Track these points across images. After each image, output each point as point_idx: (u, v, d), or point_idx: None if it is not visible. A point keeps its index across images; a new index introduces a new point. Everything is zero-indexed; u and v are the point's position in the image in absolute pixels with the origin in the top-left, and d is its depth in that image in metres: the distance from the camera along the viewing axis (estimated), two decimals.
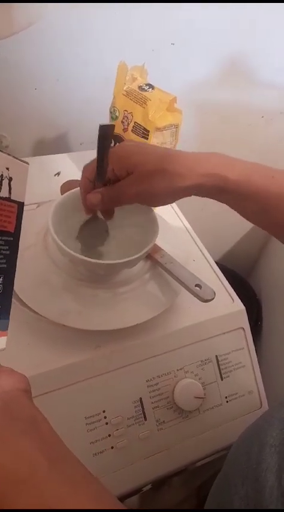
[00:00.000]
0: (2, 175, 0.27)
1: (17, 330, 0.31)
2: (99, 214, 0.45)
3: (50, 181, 0.65)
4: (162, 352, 0.47)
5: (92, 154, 0.40)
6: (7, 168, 0.28)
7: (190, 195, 0.40)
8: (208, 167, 0.38)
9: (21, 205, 0.30)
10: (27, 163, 0.30)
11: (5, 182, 0.28)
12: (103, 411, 0.43)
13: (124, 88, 0.55)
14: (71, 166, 0.69)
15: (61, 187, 0.57)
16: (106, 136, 0.36)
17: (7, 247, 0.29)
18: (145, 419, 0.45)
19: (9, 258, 0.30)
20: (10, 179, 0.28)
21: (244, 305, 0.53)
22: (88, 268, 0.44)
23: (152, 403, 0.46)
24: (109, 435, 0.43)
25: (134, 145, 0.40)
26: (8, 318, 0.30)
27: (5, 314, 0.30)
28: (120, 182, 0.40)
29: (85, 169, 0.41)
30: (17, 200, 0.29)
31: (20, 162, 0.29)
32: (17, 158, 0.28)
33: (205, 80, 0.80)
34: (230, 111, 0.86)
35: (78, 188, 0.46)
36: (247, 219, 0.41)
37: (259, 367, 0.53)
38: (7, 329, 0.30)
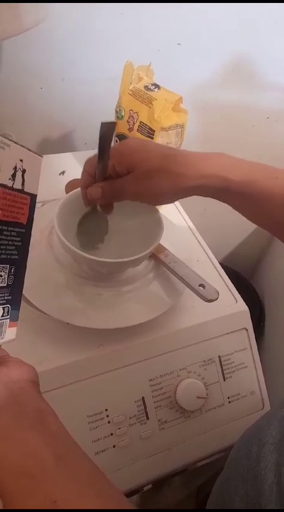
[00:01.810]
0: (15, 167, 0.27)
1: (20, 327, 0.31)
2: (99, 208, 0.45)
3: (55, 180, 0.65)
4: (164, 351, 0.47)
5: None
6: (21, 160, 0.28)
7: (192, 195, 0.39)
8: (210, 168, 0.37)
9: (33, 197, 0.30)
10: (40, 155, 0.30)
11: (19, 174, 0.28)
12: (106, 410, 0.43)
13: (130, 87, 0.55)
14: (76, 165, 0.70)
15: (66, 186, 0.57)
16: (108, 133, 0.36)
17: (19, 239, 0.29)
18: (148, 418, 0.45)
19: (21, 250, 0.30)
20: (24, 171, 0.28)
21: (247, 306, 0.53)
22: (92, 267, 0.44)
23: (154, 402, 0.46)
24: (111, 434, 0.44)
25: (137, 143, 0.40)
26: (18, 309, 0.31)
27: (16, 305, 0.30)
28: (121, 179, 0.39)
29: (87, 163, 0.41)
30: (30, 192, 0.30)
31: (34, 155, 0.29)
32: (31, 150, 0.28)
33: (210, 80, 0.80)
34: (235, 112, 0.85)
35: None
36: (250, 220, 0.41)
37: (262, 368, 0.53)
38: (17, 320, 0.31)
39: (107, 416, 0.44)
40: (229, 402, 0.50)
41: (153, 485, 0.49)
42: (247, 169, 0.38)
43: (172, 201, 0.41)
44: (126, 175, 0.39)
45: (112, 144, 0.39)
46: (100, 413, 0.43)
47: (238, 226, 1.11)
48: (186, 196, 0.39)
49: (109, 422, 0.43)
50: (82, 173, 0.42)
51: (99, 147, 0.37)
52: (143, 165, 0.38)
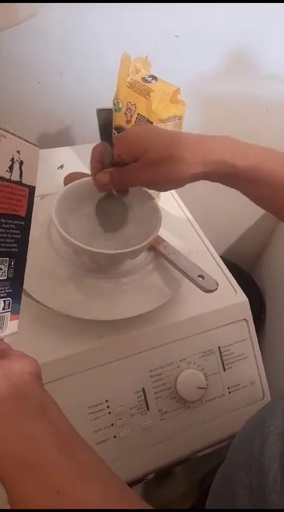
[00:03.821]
0: (13, 158, 0.27)
1: (21, 320, 0.31)
2: (114, 192, 0.45)
3: (54, 174, 0.65)
4: (164, 342, 0.47)
5: None
6: (18, 152, 0.27)
7: (199, 180, 0.39)
8: (217, 154, 0.37)
9: (32, 189, 0.30)
10: (37, 146, 0.29)
11: (16, 166, 0.27)
12: (106, 401, 0.44)
13: (128, 80, 0.54)
14: (74, 159, 0.69)
15: (64, 179, 0.57)
16: (105, 121, 0.36)
17: (18, 232, 0.29)
18: (148, 409, 0.46)
19: (20, 243, 0.30)
20: (21, 163, 0.28)
21: (248, 298, 0.53)
22: (91, 258, 0.44)
23: (155, 393, 0.46)
24: (112, 424, 0.44)
25: (140, 130, 0.40)
26: (19, 302, 0.31)
27: (17, 298, 0.30)
28: (128, 166, 0.40)
29: (94, 150, 0.41)
30: (28, 184, 0.29)
31: (31, 146, 0.29)
32: (28, 141, 0.28)
33: (208, 72, 0.79)
34: (233, 104, 0.85)
35: (82, 180, 0.46)
36: (258, 205, 0.41)
37: (262, 359, 0.53)
38: (19, 313, 0.31)
39: (108, 407, 0.44)
40: (230, 392, 0.50)
41: (155, 475, 0.50)
42: (254, 154, 0.38)
43: (179, 187, 0.41)
44: (133, 162, 0.39)
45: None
46: (100, 404, 0.44)
47: (238, 220, 1.11)
48: (193, 181, 0.39)
49: (110, 413, 0.44)
50: (91, 161, 0.42)
51: (100, 135, 0.37)
52: (149, 153, 0.38)
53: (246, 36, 0.76)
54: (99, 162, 0.41)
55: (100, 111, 0.35)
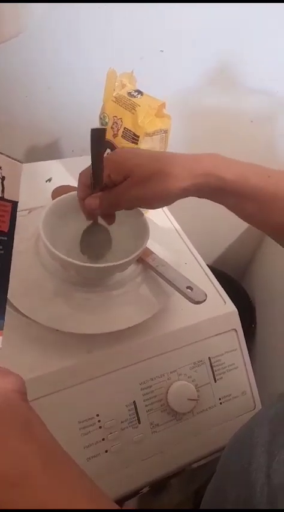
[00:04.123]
0: None
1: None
2: (100, 221, 0.45)
3: (42, 187, 0.65)
4: (155, 354, 0.47)
5: (83, 161, 0.40)
6: (0, 167, 0.28)
7: (188, 196, 0.40)
8: (205, 167, 0.38)
9: (15, 204, 0.30)
10: (21, 162, 0.30)
11: None
12: (97, 415, 0.43)
13: (114, 94, 0.55)
14: (62, 172, 0.70)
15: (52, 193, 0.57)
16: (99, 140, 0.37)
17: (1, 247, 0.29)
18: (139, 422, 0.45)
19: (3, 258, 0.30)
20: (3, 178, 0.28)
21: (238, 308, 0.53)
22: (79, 272, 0.44)
23: (146, 406, 0.46)
24: (103, 439, 0.43)
25: (129, 151, 0.41)
26: (3, 318, 0.30)
27: (1, 314, 0.30)
28: (118, 186, 0.40)
29: (81, 175, 0.42)
30: (11, 199, 0.29)
31: (13, 161, 0.29)
32: (10, 157, 0.28)
33: (194, 86, 0.81)
34: (219, 117, 0.87)
35: (70, 193, 0.47)
36: (244, 220, 0.41)
37: (254, 369, 0.53)
38: (2, 328, 0.30)
39: (99, 421, 0.43)
40: (221, 403, 0.50)
41: (150, 488, 0.49)
42: (240, 169, 0.38)
43: (170, 203, 0.41)
44: (122, 182, 0.40)
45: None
46: (91, 419, 0.43)
47: (227, 229, 1.12)
48: (183, 197, 0.40)
49: (100, 427, 0.43)
50: (78, 186, 0.42)
51: (92, 154, 0.37)
52: (138, 170, 0.38)
53: (230, 50, 0.78)
54: (87, 186, 0.41)
55: (94, 131, 0.35)
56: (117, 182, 0.40)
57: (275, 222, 0.39)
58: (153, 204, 0.41)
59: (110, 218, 0.45)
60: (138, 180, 0.38)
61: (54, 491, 0.25)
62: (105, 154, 0.39)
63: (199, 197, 0.40)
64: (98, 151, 0.37)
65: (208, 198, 0.40)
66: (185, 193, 0.39)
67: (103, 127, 0.37)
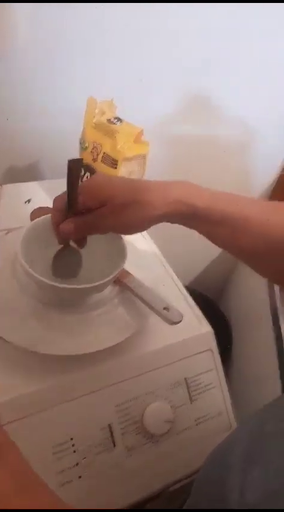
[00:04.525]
0: None
1: None
2: (72, 243, 0.45)
3: (20, 208, 0.66)
4: (131, 376, 0.47)
5: (63, 183, 0.41)
6: None
7: (162, 222, 0.41)
8: (177, 195, 0.39)
9: None
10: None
11: None
12: (71, 439, 0.43)
13: (94, 121, 0.57)
14: (42, 194, 0.70)
15: (31, 214, 0.58)
16: (75, 170, 0.38)
17: None
18: (114, 445, 0.45)
19: None
20: None
21: (214, 328, 0.54)
22: (56, 293, 0.44)
23: (121, 428, 0.46)
24: (77, 464, 0.43)
25: (105, 179, 0.42)
26: None
27: None
28: (93, 213, 0.41)
29: (56, 200, 0.42)
30: None
31: None
32: None
33: (170, 114, 0.84)
34: (195, 144, 0.90)
35: (49, 215, 0.47)
36: (216, 244, 0.43)
37: (230, 389, 0.53)
38: None
39: (73, 445, 0.43)
40: (197, 424, 0.50)
41: None
42: (209, 196, 0.40)
43: (143, 230, 0.42)
44: (97, 209, 0.40)
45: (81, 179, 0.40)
46: (65, 443, 0.42)
47: (204, 249, 1.13)
48: (157, 223, 0.41)
49: (74, 451, 0.43)
50: (52, 211, 0.43)
51: (68, 183, 0.38)
52: (114, 199, 0.39)
53: (205, 81, 0.82)
54: (61, 211, 0.42)
55: (71, 162, 0.37)
56: (93, 208, 0.41)
57: (246, 247, 0.41)
58: (128, 231, 0.43)
59: (82, 242, 0.45)
60: (114, 209, 0.39)
61: None
62: (85, 178, 0.40)
63: (171, 222, 0.41)
64: (74, 180, 0.39)
65: (180, 224, 0.42)
66: (158, 220, 0.41)
67: (80, 158, 0.38)
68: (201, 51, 0.77)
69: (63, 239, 0.44)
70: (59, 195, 0.42)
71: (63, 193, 0.40)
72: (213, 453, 0.39)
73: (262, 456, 0.29)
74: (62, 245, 0.45)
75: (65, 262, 0.46)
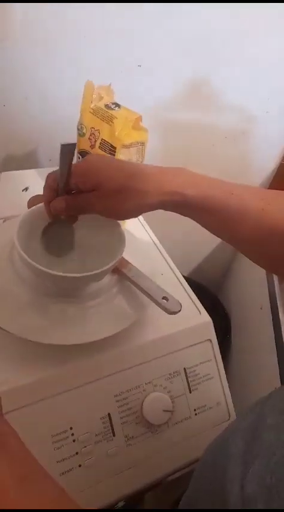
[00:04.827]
0: None
1: None
2: (63, 217, 0.45)
3: (18, 196, 0.65)
4: (130, 366, 0.47)
5: None
6: None
7: (155, 210, 0.41)
8: (171, 185, 0.39)
9: None
10: None
11: None
12: (71, 428, 0.43)
13: (91, 106, 0.56)
14: (39, 181, 0.69)
15: (28, 202, 0.57)
16: (68, 154, 0.37)
17: None
18: (114, 435, 0.45)
19: None
20: None
21: (213, 319, 0.54)
22: (54, 282, 0.44)
23: (121, 418, 0.45)
24: (77, 453, 0.43)
25: (99, 161, 0.41)
26: None
27: None
28: (86, 195, 0.40)
29: (49, 177, 0.41)
30: None
31: None
32: None
33: (170, 101, 0.83)
34: (195, 131, 0.89)
35: None
36: (212, 233, 0.42)
37: (229, 379, 0.53)
38: None
39: (72, 434, 0.43)
40: (196, 414, 0.50)
41: (125, 502, 0.48)
42: (205, 185, 0.39)
43: (136, 216, 0.42)
44: (90, 191, 0.40)
45: (74, 161, 0.39)
46: (65, 432, 0.42)
47: (204, 241, 1.14)
48: (150, 211, 0.41)
49: (74, 440, 0.43)
50: (44, 188, 0.42)
51: (60, 167, 0.38)
52: (107, 184, 0.38)
53: (206, 67, 0.81)
54: (53, 189, 0.41)
55: (64, 146, 0.36)
56: (85, 190, 0.40)
57: (240, 235, 0.40)
58: (119, 216, 0.42)
59: (73, 218, 0.44)
60: (107, 193, 0.39)
61: (31, 504, 0.24)
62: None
63: (165, 210, 0.41)
64: (67, 163, 0.38)
65: (174, 212, 0.41)
66: (151, 208, 0.40)
67: (73, 142, 0.37)
68: (201, 37, 0.75)
69: (53, 216, 0.43)
70: (52, 172, 0.41)
71: (56, 170, 0.39)
72: (213, 443, 0.39)
73: (262, 449, 0.28)
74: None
75: (57, 236, 0.45)
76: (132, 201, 0.39)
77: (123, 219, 0.42)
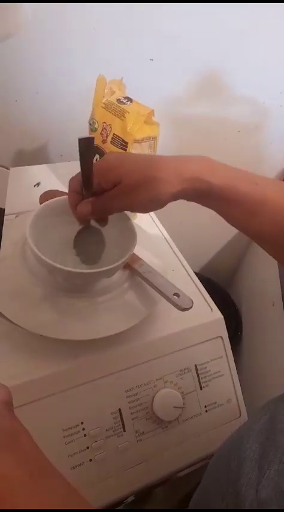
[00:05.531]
0: None
1: None
2: (93, 223, 0.45)
3: (30, 191, 0.65)
4: (141, 362, 0.47)
5: (72, 166, 0.40)
6: None
7: (178, 199, 0.40)
8: (193, 171, 0.38)
9: (1, 211, 0.30)
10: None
11: None
12: (81, 423, 0.43)
13: (103, 101, 0.55)
14: (51, 177, 0.69)
15: (40, 197, 0.57)
16: (88, 148, 0.37)
17: None
18: (124, 430, 0.45)
19: None
20: None
21: (224, 315, 0.53)
22: (65, 278, 0.44)
23: (131, 413, 0.46)
24: (88, 447, 0.43)
25: (117, 158, 0.41)
26: None
27: None
28: (109, 192, 0.40)
29: (71, 182, 0.41)
30: None
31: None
32: None
33: (182, 95, 0.82)
34: (207, 125, 0.88)
35: (57, 198, 0.46)
36: (232, 225, 0.42)
37: (240, 376, 0.53)
38: None
39: (83, 429, 0.43)
40: (206, 411, 0.50)
41: (135, 497, 0.48)
42: (228, 174, 0.39)
43: (161, 207, 0.41)
44: (112, 189, 0.39)
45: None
46: (76, 427, 0.42)
47: (214, 236, 1.13)
48: (174, 200, 0.40)
49: (85, 435, 0.43)
50: (69, 192, 0.42)
51: (81, 162, 0.37)
52: (128, 178, 0.38)
53: (218, 60, 0.79)
54: (77, 193, 0.41)
55: (80, 140, 0.35)
56: (108, 188, 0.40)
57: (261, 229, 0.39)
58: (145, 209, 0.42)
59: (103, 221, 0.45)
60: (129, 187, 0.38)
61: (39, 502, 0.24)
62: (94, 161, 0.39)
63: (187, 200, 0.40)
64: (87, 160, 0.37)
65: (195, 201, 0.40)
66: (175, 197, 0.39)
67: (91, 136, 0.36)
68: (214, 30, 0.74)
69: (82, 220, 0.43)
70: (74, 176, 0.41)
71: (78, 173, 0.39)
72: (226, 444, 0.39)
73: (277, 455, 0.28)
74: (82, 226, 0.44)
75: (88, 243, 0.45)
76: (155, 191, 0.38)
77: (148, 211, 0.42)
